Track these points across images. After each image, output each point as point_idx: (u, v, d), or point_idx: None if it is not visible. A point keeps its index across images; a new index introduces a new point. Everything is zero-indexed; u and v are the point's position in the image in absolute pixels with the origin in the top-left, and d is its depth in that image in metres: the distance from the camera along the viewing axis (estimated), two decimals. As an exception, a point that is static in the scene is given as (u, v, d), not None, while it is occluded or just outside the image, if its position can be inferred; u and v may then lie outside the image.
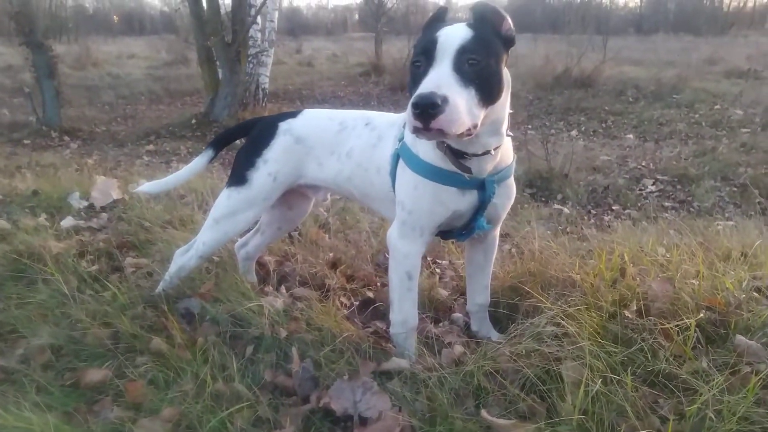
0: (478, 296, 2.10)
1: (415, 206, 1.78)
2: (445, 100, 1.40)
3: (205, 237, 2.16)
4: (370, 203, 2.11)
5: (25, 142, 8.55)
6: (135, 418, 1.56)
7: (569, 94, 11.19)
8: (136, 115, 11.03)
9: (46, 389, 1.71)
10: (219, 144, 2.24)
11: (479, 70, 1.49)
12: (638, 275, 2.12)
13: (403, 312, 1.87)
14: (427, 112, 1.39)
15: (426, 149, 1.75)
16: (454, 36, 1.51)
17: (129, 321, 1.96)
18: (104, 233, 3.03)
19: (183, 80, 14.62)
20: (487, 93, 1.52)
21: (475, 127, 1.50)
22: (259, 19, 10.07)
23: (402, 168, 1.82)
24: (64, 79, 10.58)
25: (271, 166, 2.05)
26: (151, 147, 8.42)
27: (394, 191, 1.88)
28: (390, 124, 1.97)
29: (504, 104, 1.67)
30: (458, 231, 1.89)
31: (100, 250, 2.72)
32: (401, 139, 1.84)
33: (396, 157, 1.85)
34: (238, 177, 2.07)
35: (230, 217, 2.10)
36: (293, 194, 2.27)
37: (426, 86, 1.43)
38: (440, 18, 1.69)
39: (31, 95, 9.23)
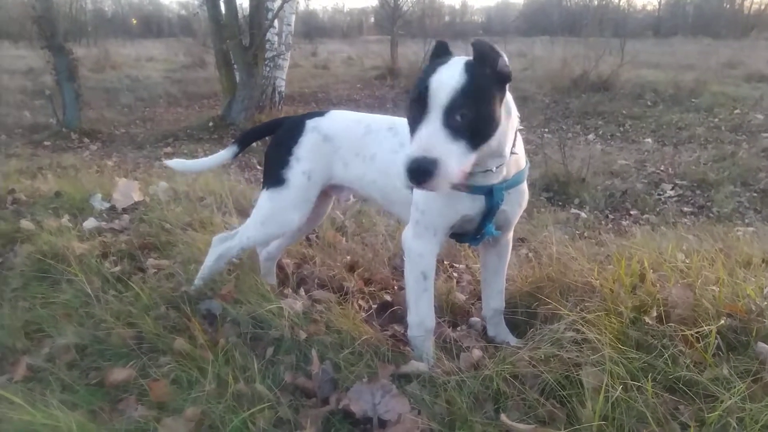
0: (493, 301, 2.11)
1: (427, 206, 1.81)
2: (435, 164, 1.41)
3: (251, 233, 2.18)
4: (390, 207, 2.14)
5: (46, 143, 8.69)
6: (159, 417, 1.58)
7: (586, 98, 11.12)
8: (155, 118, 11.16)
9: (72, 387, 1.74)
10: (245, 141, 2.28)
11: (469, 122, 1.48)
12: (658, 281, 2.11)
13: (420, 313, 1.89)
14: (420, 177, 1.43)
15: None
16: (445, 85, 1.48)
17: (152, 321, 1.98)
18: (126, 234, 3.07)
19: (201, 83, 14.79)
20: (478, 139, 1.52)
21: (465, 170, 1.51)
22: (276, 22, 10.14)
23: None
24: (84, 81, 10.72)
25: (304, 165, 2.06)
26: (169, 149, 8.52)
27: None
28: None
29: (504, 132, 1.64)
30: (471, 235, 1.91)
31: (122, 251, 2.76)
32: None
33: None
34: (275, 178, 2.08)
35: (274, 219, 2.12)
36: None
37: (415, 149, 1.44)
38: (439, 54, 1.66)
39: (51, 97, 9.38)
